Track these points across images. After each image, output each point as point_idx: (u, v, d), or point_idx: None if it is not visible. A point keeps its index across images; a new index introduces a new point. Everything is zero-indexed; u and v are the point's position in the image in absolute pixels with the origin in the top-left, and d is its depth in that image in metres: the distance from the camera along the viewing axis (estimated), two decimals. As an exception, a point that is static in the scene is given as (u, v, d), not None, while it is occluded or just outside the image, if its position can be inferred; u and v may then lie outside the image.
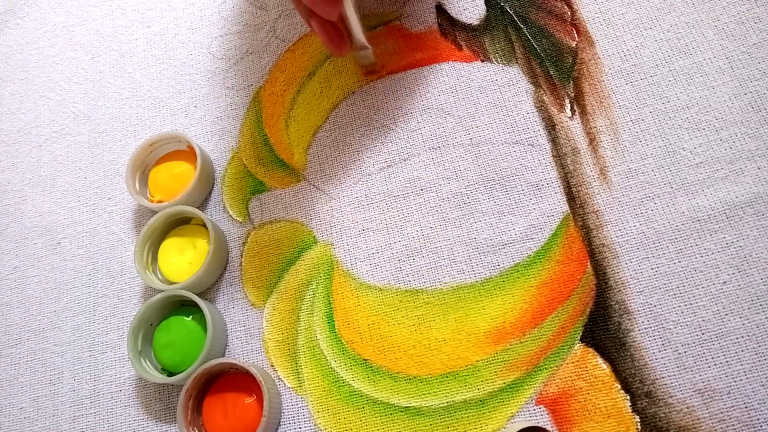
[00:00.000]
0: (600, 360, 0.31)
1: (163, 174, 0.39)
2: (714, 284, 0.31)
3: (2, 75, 0.47)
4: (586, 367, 0.31)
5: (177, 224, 0.38)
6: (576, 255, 0.33)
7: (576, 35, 0.37)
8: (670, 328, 0.31)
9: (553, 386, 0.31)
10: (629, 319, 0.31)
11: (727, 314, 0.30)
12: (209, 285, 0.37)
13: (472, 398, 0.32)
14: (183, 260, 0.36)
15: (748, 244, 0.31)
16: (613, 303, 0.32)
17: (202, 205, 0.39)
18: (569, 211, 0.34)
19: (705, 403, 0.29)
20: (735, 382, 0.29)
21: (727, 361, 0.30)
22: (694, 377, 0.30)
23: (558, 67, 0.37)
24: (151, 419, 0.35)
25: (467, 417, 0.31)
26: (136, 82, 0.44)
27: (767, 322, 0.30)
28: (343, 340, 0.34)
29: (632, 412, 0.30)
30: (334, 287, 0.35)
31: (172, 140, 0.40)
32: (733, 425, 0.29)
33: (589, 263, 0.33)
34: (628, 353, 0.31)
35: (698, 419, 0.29)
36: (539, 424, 0.30)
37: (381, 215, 0.36)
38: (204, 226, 0.37)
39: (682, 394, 0.30)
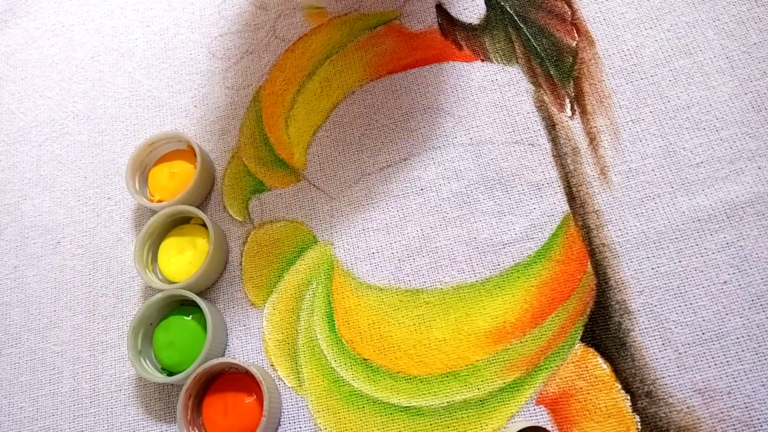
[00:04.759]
0: (600, 360, 0.31)
1: (163, 173, 0.39)
2: (714, 284, 0.31)
3: (2, 74, 0.47)
4: (587, 367, 0.31)
5: (177, 224, 0.38)
6: (576, 255, 0.33)
7: (576, 35, 0.37)
8: (670, 328, 0.31)
9: (554, 386, 0.31)
10: (629, 319, 0.31)
11: (727, 314, 0.30)
12: (209, 284, 0.37)
13: (473, 398, 0.32)
14: (183, 260, 0.36)
15: (748, 243, 0.31)
16: (613, 303, 0.32)
17: (202, 204, 0.39)
18: (569, 211, 0.34)
19: (705, 403, 0.29)
20: (735, 381, 0.29)
21: (727, 361, 0.30)
22: (695, 377, 0.30)
23: (558, 66, 0.37)
24: (151, 419, 0.35)
25: (467, 417, 0.31)
26: (135, 82, 0.44)
27: (767, 322, 0.30)
28: (343, 340, 0.34)
29: (632, 411, 0.30)
30: (334, 287, 0.35)
31: (171, 140, 0.40)
32: (734, 425, 0.29)
33: (589, 263, 0.33)
34: (629, 353, 0.31)
35: (698, 419, 0.29)
36: (539, 424, 0.30)
37: (381, 215, 0.36)
38: (204, 225, 0.37)
39: (683, 393, 0.30)
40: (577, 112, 0.36)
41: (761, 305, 0.30)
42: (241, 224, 0.38)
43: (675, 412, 0.29)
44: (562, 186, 0.34)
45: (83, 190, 0.41)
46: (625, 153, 0.34)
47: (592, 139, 0.35)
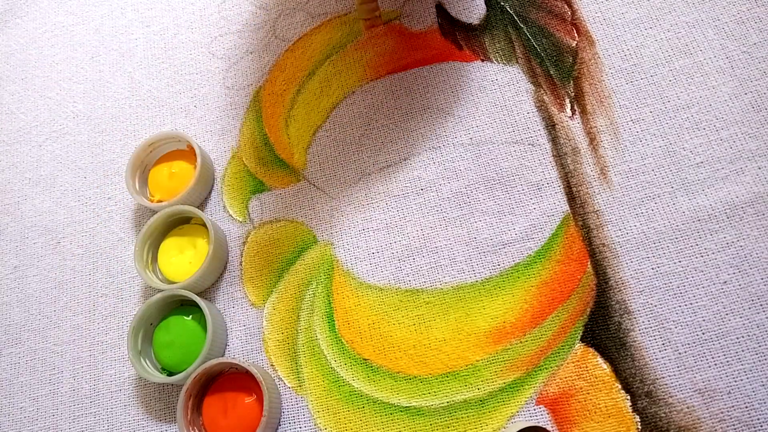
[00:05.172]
0: (600, 360, 0.31)
1: (163, 173, 0.39)
2: (714, 284, 0.31)
3: (2, 74, 0.47)
4: (587, 367, 0.31)
5: (177, 224, 0.38)
6: (576, 255, 0.33)
7: (576, 35, 0.37)
8: (670, 328, 0.31)
9: (554, 386, 0.31)
10: (629, 319, 0.31)
11: (727, 314, 0.30)
12: (209, 284, 0.37)
13: (472, 398, 0.32)
14: (183, 260, 0.36)
15: (748, 243, 0.31)
16: (613, 303, 0.32)
17: (202, 204, 0.39)
18: (569, 211, 0.34)
19: (705, 403, 0.29)
20: (735, 381, 0.29)
21: (727, 361, 0.30)
22: (695, 377, 0.30)
23: (558, 66, 0.37)
24: (151, 419, 0.35)
25: (467, 417, 0.31)
26: (135, 82, 0.44)
27: (767, 322, 0.30)
28: (343, 340, 0.34)
29: (632, 411, 0.30)
30: (334, 287, 0.35)
31: (171, 140, 0.40)
32: (734, 425, 0.29)
33: (589, 263, 0.33)
34: (629, 353, 0.31)
35: (698, 419, 0.29)
36: (539, 424, 0.30)
37: (381, 215, 0.36)
38: (204, 225, 0.37)
39: (683, 393, 0.30)
40: (577, 112, 0.36)
41: (761, 305, 0.30)
42: (241, 224, 0.38)
43: (675, 412, 0.29)
44: (562, 186, 0.34)
45: (83, 190, 0.41)
46: (625, 153, 0.34)
47: (592, 139, 0.35)
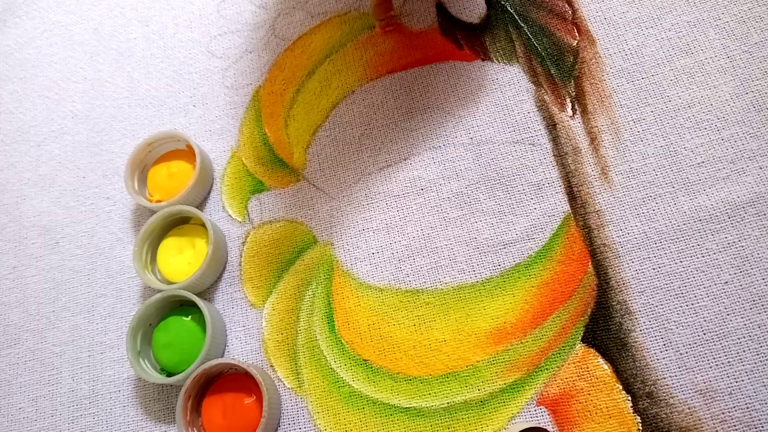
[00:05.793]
0: (601, 360, 0.31)
1: (162, 173, 0.39)
2: (716, 284, 0.31)
3: (1, 74, 0.47)
4: (588, 368, 0.31)
5: (176, 224, 0.38)
6: (577, 255, 0.33)
7: (577, 34, 0.37)
8: (671, 329, 0.31)
9: (554, 387, 0.31)
10: (630, 320, 0.31)
11: (728, 314, 0.30)
12: (208, 285, 0.37)
13: (473, 399, 0.31)
14: (182, 260, 0.36)
15: (749, 244, 0.31)
16: (614, 303, 0.32)
17: (201, 204, 0.39)
18: (570, 211, 0.34)
19: (706, 404, 0.29)
20: (736, 382, 0.29)
21: (728, 362, 0.30)
22: (696, 378, 0.30)
23: (559, 66, 0.37)
24: (150, 419, 0.35)
25: (468, 417, 0.31)
26: (134, 81, 0.44)
27: (769, 323, 0.30)
28: (343, 341, 0.34)
29: (633, 412, 0.30)
30: (334, 287, 0.35)
31: (171, 139, 0.39)
32: (735, 426, 0.29)
33: (590, 263, 0.33)
34: (630, 354, 0.31)
35: (700, 420, 0.29)
36: (540, 425, 0.30)
37: (381, 215, 0.36)
38: (203, 225, 0.37)
39: (684, 394, 0.30)
40: (577, 112, 0.36)
41: (762, 305, 0.30)
42: (240, 224, 0.38)
43: (676, 413, 0.29)
44: (562, 186, 0.34)
45: (82, 190, 0.41)
46: (626, 153, 0.34)
47: (593, 139, 0.35)
